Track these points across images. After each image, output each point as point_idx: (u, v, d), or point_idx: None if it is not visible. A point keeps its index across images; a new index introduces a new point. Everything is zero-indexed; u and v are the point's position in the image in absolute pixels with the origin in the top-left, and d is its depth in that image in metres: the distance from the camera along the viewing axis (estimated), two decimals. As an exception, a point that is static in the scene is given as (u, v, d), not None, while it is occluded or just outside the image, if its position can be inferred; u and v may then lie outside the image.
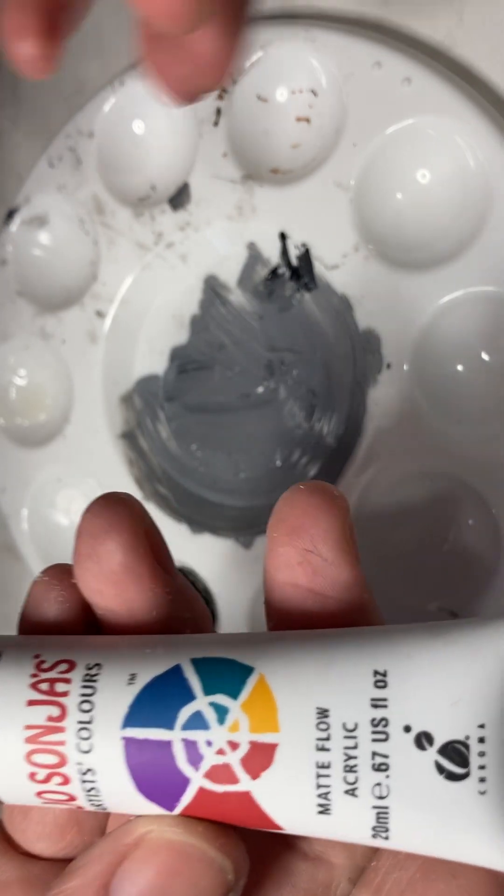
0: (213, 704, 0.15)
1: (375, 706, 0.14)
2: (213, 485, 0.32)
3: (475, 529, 0.27)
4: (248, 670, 0.15)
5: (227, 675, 0.15)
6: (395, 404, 0.28)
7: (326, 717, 0.14)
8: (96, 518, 0.16)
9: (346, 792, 0.14)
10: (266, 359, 0.31)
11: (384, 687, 0.14)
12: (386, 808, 0.14)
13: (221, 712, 0.14)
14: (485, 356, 0.27)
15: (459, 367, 0.27)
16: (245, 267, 0.31)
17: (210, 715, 0.15)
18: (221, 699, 0.15)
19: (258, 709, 0.14)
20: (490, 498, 0.27)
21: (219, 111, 0.30)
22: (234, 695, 0.15)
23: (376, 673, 0.14)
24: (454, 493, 0.27)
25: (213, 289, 0.32)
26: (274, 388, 0.31)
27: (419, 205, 0.28)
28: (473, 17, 0.27)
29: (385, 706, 0.14)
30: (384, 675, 0.14)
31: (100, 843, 0.15)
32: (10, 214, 0.35)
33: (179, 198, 0.31)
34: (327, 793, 0.14)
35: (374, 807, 0.14)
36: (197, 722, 0.15)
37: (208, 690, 0.15)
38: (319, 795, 0.14)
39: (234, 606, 0.32)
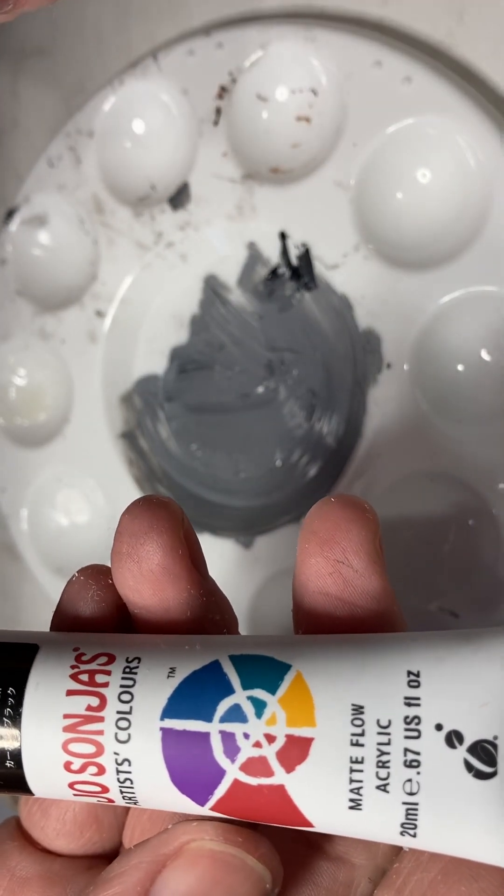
0: (251, 698, 0.15)
1: (409, 704, 0.15)
2: (213, 485, 0.32)
3: (475, 529, 0.27)
4: (285, 667, 0.15)
5: (264, 671, 0.15)
6: (395, 404, 0.28)
7: (361, 713, 0.15)
8: (137, 519, 0.17)
9: (378, 787, 0.14)
10: (266, 359, 0.31)
11: (417, 687, 0.15)
12: (416, 804, 0.14)
13: (259, 706, 0.15)
14: (485, 356, 0.27)
15: (459, 367, 0.27)
16: (245, 267, 0.31)
17: (248, 708, 0.15)
18: (259, 693, 0.15)
19: (295, 704, 0.15)
20: (490, 498, 0.27)
21: (219, 111, 0.30)
22: (272, 690, 0.15)
23: (410, 673, 0.15)
24: (454, 493, 0.27)
25: (213, 289, 0.32)
26: (274, 388, 0.31)
27: (419, 205, 0.28)
28: (473, 16, 0.27)
29: (418, 705, 0.15)
30: (417, 675, 0.15)
31: (137, 851, 0.15)
32: (10, 214, 0.35)
33: (179, 197, 0.31)
34: (359, 788, 0.14)
35: (405, 803, 0.14)
36: (235, 715, 0.15)
37: (246, 685, 0.15)
38: (352, 790, 0.14)
39: (234, 606, 0.32)
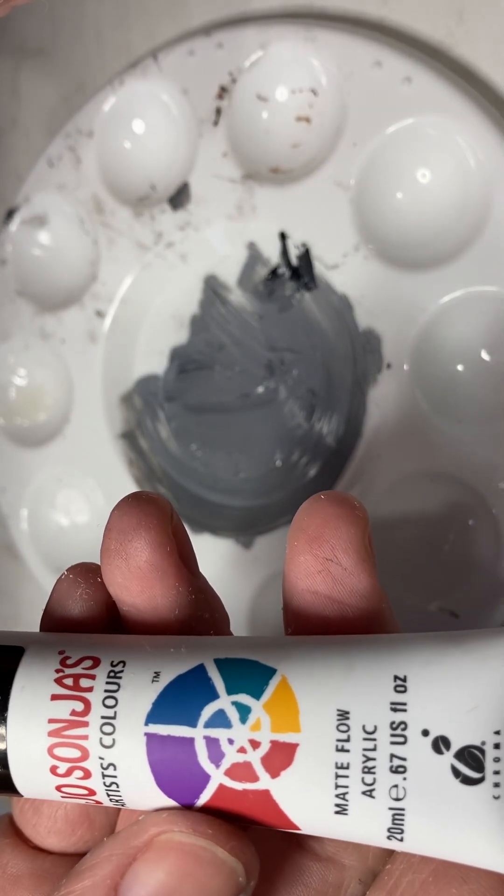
0: (235, 704, 0.15)
1: (395, 710, 0.14)
2: (213, 485, 0.32)
3: (475, 529, 0.27)
4: (270, 671, 0.15)
5: (249, 676, 0.15)
6: (395, 404, 0.28)
7: (347, 719, 0.14)
8: (125, 516, 0.17)
9: (364, 793, 0.14)
10: (266, 359, 0.31)
11: (404, 692, 0.15)
12: (402, 809, 0.14)
13: (244, 711, 0.15)
14: (485, 356, 0.27)
15: (459, 367, 0.27)
16: (245, 267, 0.31)
17: (232, 714, 0.15)
18: (244, 699, 0.15)
19: (280, 709, 0.15)
20: (490, 498, 0.27)
21: (219, 111, 0.30)
22: (257, 695, 0.15)
23: (396, 678, 0.15)
24: (454, 492, 0.27)
25: (213, 289, 0.32)
26: (274, 388, 0.31)
27: (419, 205, 0.28)
28: (473, 16, 0.27)
29: (404, 710, 0.14)
30: (404, 680, 0.15)
31: (109, 843, 0.15)
32: (10, 214, 0.35)
33: (179, 197, 0.31)
34: (345, 793, 0.14)
35: (391, 808, 0.14)
36: (219, 720, 0.15)
37: (231, 690, 0.15)
38: (337, 796, 0.14)
39: (233, 606, 0.31)
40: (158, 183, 0.32)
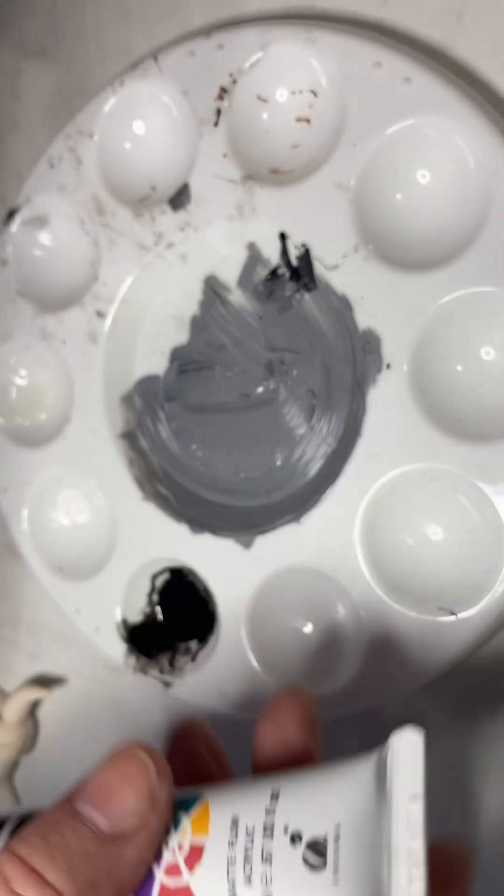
0: (174, 819, 0.19)
1: (268, 813, 0.19)
2: (213, 485, 0.32)
3: (475, 529, 0.27)
4: (200, 796, 0.20)
5: (189, 802, 0.20)
6: (394, 404, 0.28)
7: (237, 822, 0.19)
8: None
9: (245, 880, 0.18)
10: (266, 359, 0.31)
11: (276, 800, 0.19)
12: (270, 894, 0.18)
13: (178, 823, 0.19)
14: (485, 356, 0.27)
15: (459, 368, 0.28)
16: (245, 267, 0.31)
17: (171, 826, 0.19)
18: (181, 815, 0.19)
19: (199, 820, 0.19)
20: (490, 498, 0.27)
21: (219, 111, 0.30)
22: (188, 811, 0.19)
23: (273, 791, 0.19)
24: (453, 492, 0.27)
25: (213, 289, 0.32)
26: (274, 388, 0.31)
27: (419, 205, 0.28)
28: (473, 16, 0.27)
29: (274, 813, 0.18)
30: (277, 792, 0.19)
31: None
32: (11, 214, 0.35)
33: (179, 198, 0.31)
34: (234, 882, 0.18)
35: (263, 894, 0.18)
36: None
37: (175, 810, 0.20)
38: (229, 884, 0.18)
39: (233, 606, 0.32)
40: (159, 183, 0.32)
